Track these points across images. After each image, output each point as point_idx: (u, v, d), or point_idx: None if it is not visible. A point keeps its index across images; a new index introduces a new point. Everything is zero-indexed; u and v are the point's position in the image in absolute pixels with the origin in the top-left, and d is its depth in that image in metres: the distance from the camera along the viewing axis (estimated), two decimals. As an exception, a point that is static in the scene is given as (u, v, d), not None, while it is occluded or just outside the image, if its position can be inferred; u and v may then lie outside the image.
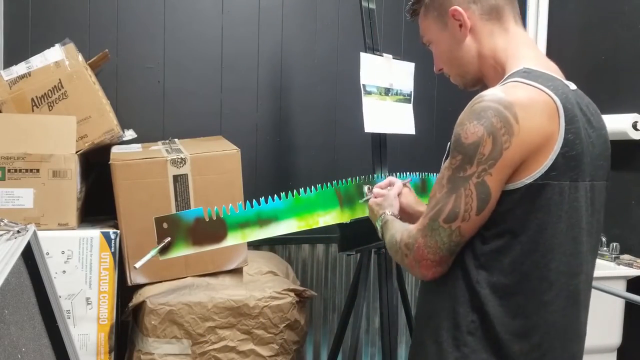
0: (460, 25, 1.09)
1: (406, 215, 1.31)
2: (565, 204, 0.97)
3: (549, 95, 0.95)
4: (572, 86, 1.04)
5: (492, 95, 0.95)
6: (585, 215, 1.01)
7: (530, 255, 0.96)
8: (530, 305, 0.98)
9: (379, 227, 1.23)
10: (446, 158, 1.02)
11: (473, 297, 0.99)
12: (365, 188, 1.46)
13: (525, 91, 0.95)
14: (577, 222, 0.99)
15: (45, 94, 1.76)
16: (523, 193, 0.94)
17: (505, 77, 1.03)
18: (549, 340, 0.99)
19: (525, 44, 1.08)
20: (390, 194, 1.31)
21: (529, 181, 0.94)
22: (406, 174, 1.74)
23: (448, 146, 1.02)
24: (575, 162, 0.97)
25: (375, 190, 1.37)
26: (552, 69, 1.05)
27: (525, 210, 0.95)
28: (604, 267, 2.16)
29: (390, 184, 1.38)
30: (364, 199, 1.46)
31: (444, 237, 0.97)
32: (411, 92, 2.00)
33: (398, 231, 1.10)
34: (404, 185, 1.38)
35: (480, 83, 1.14)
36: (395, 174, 1.67)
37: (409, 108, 1.98)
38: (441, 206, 0.97)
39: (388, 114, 1.88)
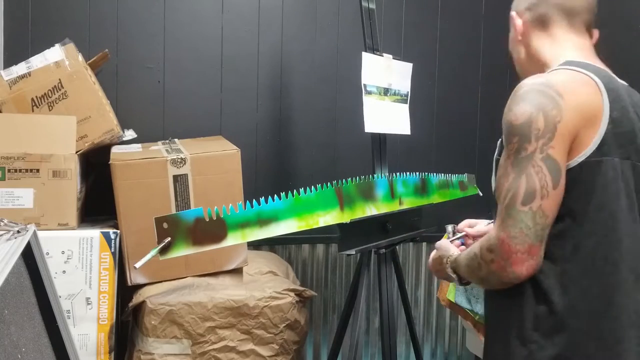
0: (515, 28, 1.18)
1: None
2: (619, 181, 0.97)
3: (589, 76, 1.00)
4: (623, 82, 1.10)
5: (531, 80, 1.00)
6: (638, 197, 1.01)
7: (592, 236, 0.95)
8: (597, 289, 0.95)
9: (451, 272, 1.15)
10: (499, 154, 1.03)
11: (537, 290, 0.97)
12: (450, 227, 1.39)
13: (564, 73, 1.01)
14: (632, 202, 0.99)
15: (45, 94, 1.76)
16: (577, 172, 0.95)
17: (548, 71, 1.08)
18: (619, 326, 0.96)
19: (573, 49, 1.10)
20: (442, 243, 1.24)
21: (581, 159, 0.95)
22: (407, 174, 1.74)
23: (499, 143, 1.04)
24: (624, 139, 0.98)
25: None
26: (601, 66, 1.09)
27: (581, 191, 0.95)
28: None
29: (470, 226, 1.35)
30: (451, 238, 1.35)
31: (527, 221, 0.92)
32: (408, 92, 2.00)
33: (470, 250, 1.05)
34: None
35: None
36: (397, 175, 1.68)
37: (405, 108, 1.99)
38: (514, 191, 0.94)
39: (387, 114, 1.88)
